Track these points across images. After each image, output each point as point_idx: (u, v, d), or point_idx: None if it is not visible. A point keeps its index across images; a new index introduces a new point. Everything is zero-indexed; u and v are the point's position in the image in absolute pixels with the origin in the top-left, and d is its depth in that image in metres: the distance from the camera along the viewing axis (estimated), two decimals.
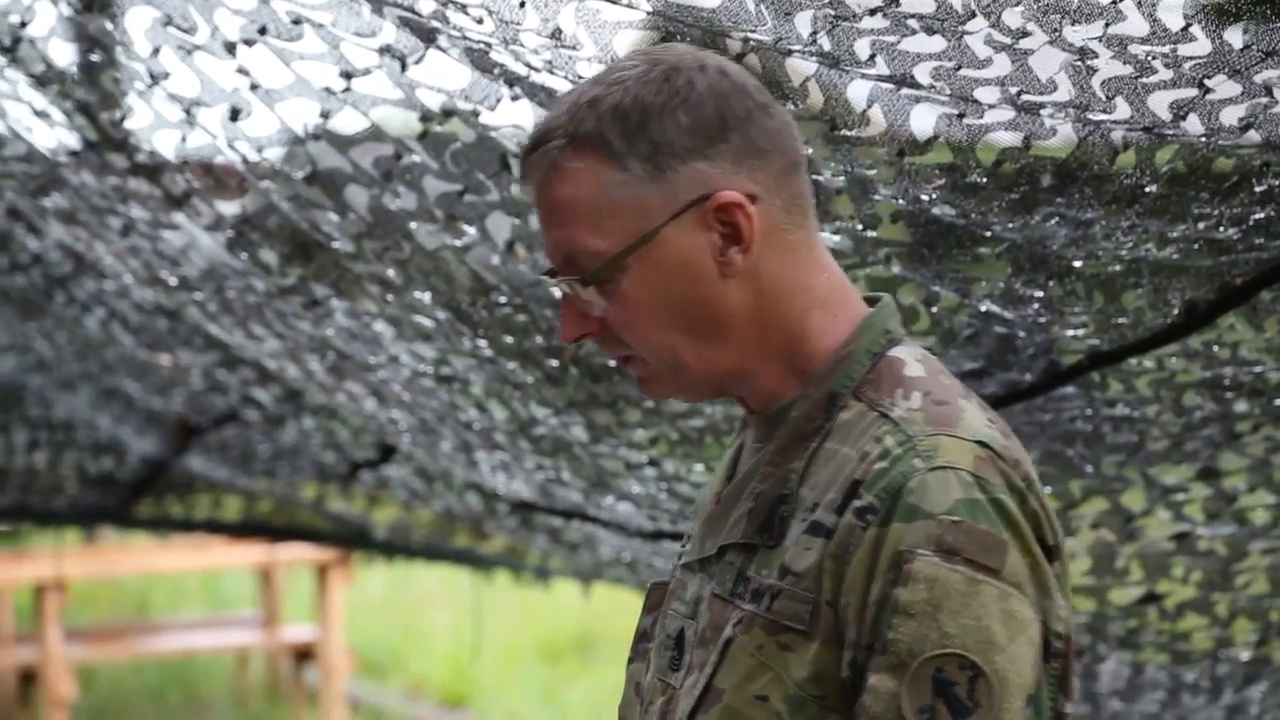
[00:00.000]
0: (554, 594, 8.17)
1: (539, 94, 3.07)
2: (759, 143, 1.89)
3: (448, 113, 3.27)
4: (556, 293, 1.98)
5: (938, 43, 2.65)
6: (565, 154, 1.89)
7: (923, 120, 2.86)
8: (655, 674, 2.00)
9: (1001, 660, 1.74)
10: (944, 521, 1.76)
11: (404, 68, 3.10)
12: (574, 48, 2.86)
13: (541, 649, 12.31)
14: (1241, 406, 3.47)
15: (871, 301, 2.02)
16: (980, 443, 1.81)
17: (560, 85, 3.01)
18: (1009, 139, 2.87)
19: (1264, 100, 2.51)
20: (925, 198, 3.03)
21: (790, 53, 2.74)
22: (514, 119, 3.25)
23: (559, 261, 1.94)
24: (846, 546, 1.81)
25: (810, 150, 2.94)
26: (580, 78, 2.99)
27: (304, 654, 11.29)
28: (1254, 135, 2.61)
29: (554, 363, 3.97)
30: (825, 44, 2.65)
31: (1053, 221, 2.99)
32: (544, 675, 11.79)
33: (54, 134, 3.70)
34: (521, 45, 2.91)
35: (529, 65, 2.96)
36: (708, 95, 1.88)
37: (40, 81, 3.42)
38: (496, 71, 3.03)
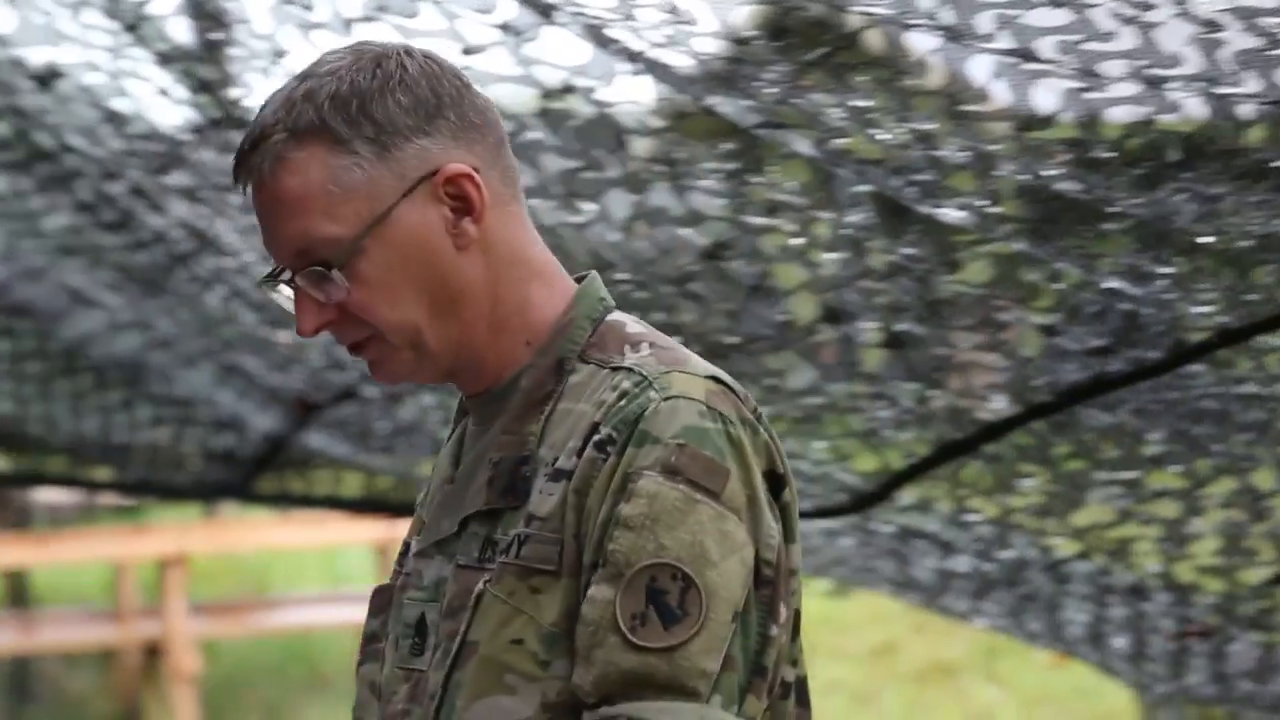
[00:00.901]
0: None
1: (657, 69, 3.06)
2: (472, 118, 1.94)
3: (566, 89, 3.27)
4: (282, 293, 1.97)
5: (1062, 16, 2.61)
6: (288, 146, 1.91)
7: (1045, 95, 2.83)
8: (394, 666, 2.01)
9: (713, 575, 1.81)
10: (670, 445, 1.83)
11: (522, 44, 3.09)
12: (691, 23, 2.85)
13: None
14: None
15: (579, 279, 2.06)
16: (712, 377, 1.88)
17: (678, 60, 3.00)
18: (1134, 113, 2.82)
19: None
20: (1048, 173, 2.99)
21: (911, 26, 2.72)
22: (631, 95, 3.24)
23: (289, 256, 1.93)
24: (588, 480, 1.88)
25: (934, 125, 2.91)
26: (700, 54, 2.98)
27: None
28: None
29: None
30: (947, 18, 2.63)
31: (1179, 197, 2.94)
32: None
33: (176, 112, 3.73)
34: (638, 20, 2.90)
35: (647, 40, 2.95)
36: (420, 76, 1.92)
37: (163, 60, 3.45)
38: (614, 47, 3.02)
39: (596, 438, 1.87)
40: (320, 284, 1.91)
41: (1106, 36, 2.63)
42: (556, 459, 1.91)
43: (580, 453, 1.88)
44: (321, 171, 1.90)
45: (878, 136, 3.04)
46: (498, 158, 1.96)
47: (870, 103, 2.93)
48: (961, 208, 3.14)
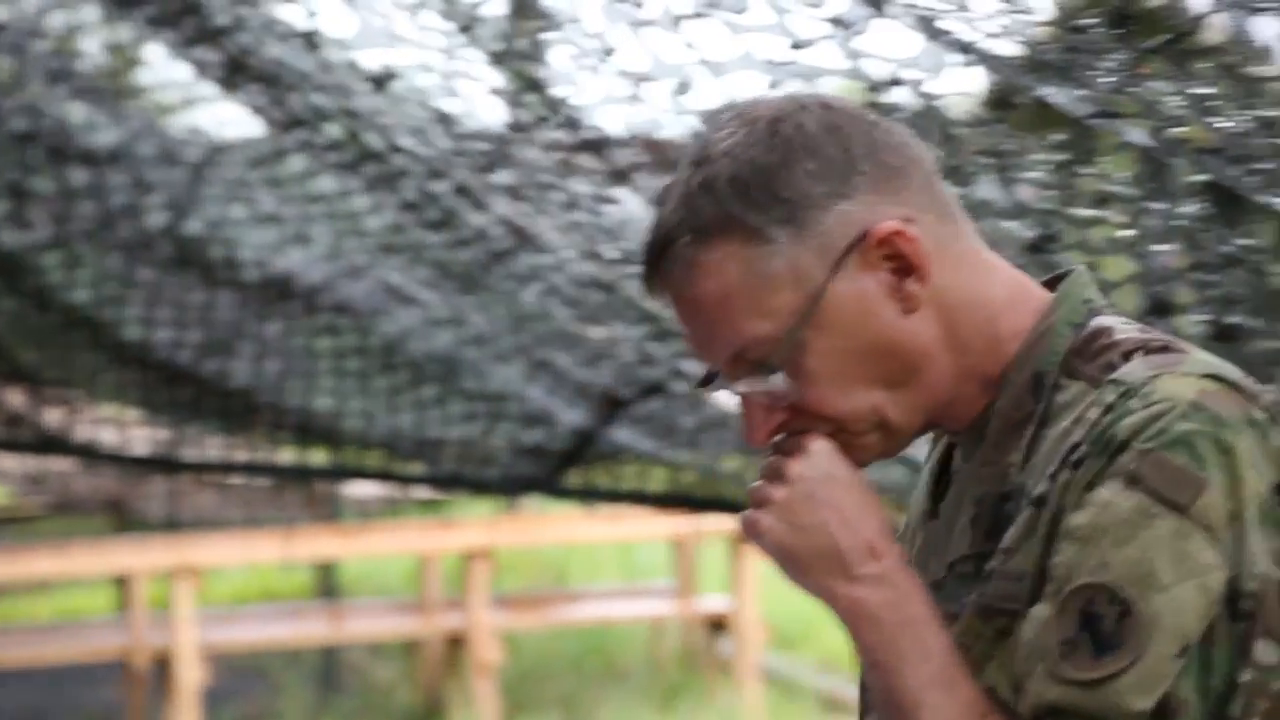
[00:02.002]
0: None
1: (989, 60, 3.03)
2: (891, 161, 1.75)
3: (893, 82, 3.25)
4: (728, 399, 1.84)
5: None
6: (697, 249, 1.73)
7: None
8: None
9: (1159, 601, 1.59)
10: (1136, 450, 1.62)
11: (850, 37, 3.09)
12: (1026, 12, 2.82)
13: None
14: None
15: (1056, 281, 1.84)
16: (1210, 375, 1.65)
17: (1013, 50, 2.97)
18: None
19: None
20: None
21: (1259, 9, 2.66)
22: (958, 86, 3.22)
23: (725, 363, 1.77)
24: (1063, 500, 1.68)
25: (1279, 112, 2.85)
26: (1037, 42, 2.95)
27: (718, 625, 11.44)
28: None
29: None
30: None
31: None
32: None
33: (504, 111, 3.80)
34: (971, 10, 2.88)
35: (981, 30, 2.93)
36: (823, 133, 1.73)
37: (496, 59, 3.51)
38: (945, 39, 3.00)
39: (1073, 457, 1.68)
40: (764, 387, 1.76)
41: None
42: (1037, 486, 1.71)
43: (1055, 475, 1.69)
44: (739, 268, 1.73)
45: (1218, 124, 2.98)
46: (931, 196, 1.77)
47: (1211, 90, 2.87)
48: None
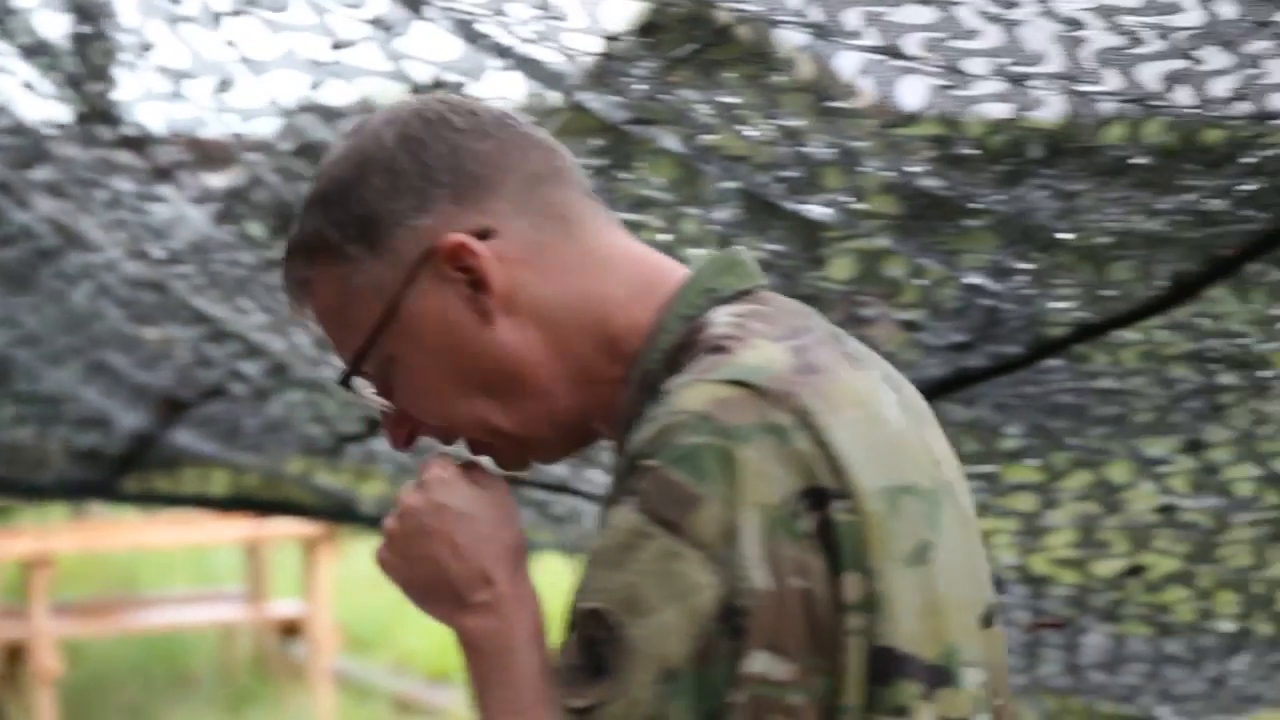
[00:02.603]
0: (541, 568, 8.16)
1: (528, 65, 3.07)
2: (477, 172, 1.72)
3: (437, 84, 3.27)
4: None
5: (928, 13, 2.65)
6: (301, 268, 1.77)
7: (911, 92, 2.86)
8: None
9: (641, 627, 1.56)
10: (643, 466, 1.58)
11: (392, 38, 3.10)
12: (561, 18, 2.86)
13: None
14: (1227, 379, 3.48)
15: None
16: (735, 381, 1.60)
17: (549, 56, 3.01)
18: (997, 111, 2.87)
19: (1253, 71, 2.51)
20: (913, 170, 3.04)
21: (780, 23, 2.74)
22: (501, 91, 3.25)
23: (352, 375, 1.79)
24: (604, 520, 1.65)
25: (801, 122, 2.95)
26: (569, 49, 3.00)
27: (290, 629, 11.30)
28: (1243, 106, 2.61)
29: None
30: (815, 14, 2.66)
31: (1041, 193, 2.99)
32: None
33: (42, 106, 3.70)
34: (508, 16, 2.91)
35: (518, 36, 2.96)
36: (398, 148, 1.72)
37: (28, 53, 3.41)
38: (484, 43, 3.03)
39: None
40: (370, 397, 1.76)
41: (971, 34, 2.67)
42: None
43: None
44: (334, 285, 1.74)
45: (745, 133, 3.07)
46: (526, 202, 1.73)
47: (738, 99, 2.96)
48: (827, 204, 3.17)
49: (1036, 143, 2.90)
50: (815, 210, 3.24)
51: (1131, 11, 2.46)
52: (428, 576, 1.75)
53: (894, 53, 2.71)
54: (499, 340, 1.72)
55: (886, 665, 1.60)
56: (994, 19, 2.58)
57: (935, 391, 3.72)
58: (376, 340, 1.73)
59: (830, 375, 1.65)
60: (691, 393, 1.60)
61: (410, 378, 1.74)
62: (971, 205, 3.10)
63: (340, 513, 7.00)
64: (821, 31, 2.69)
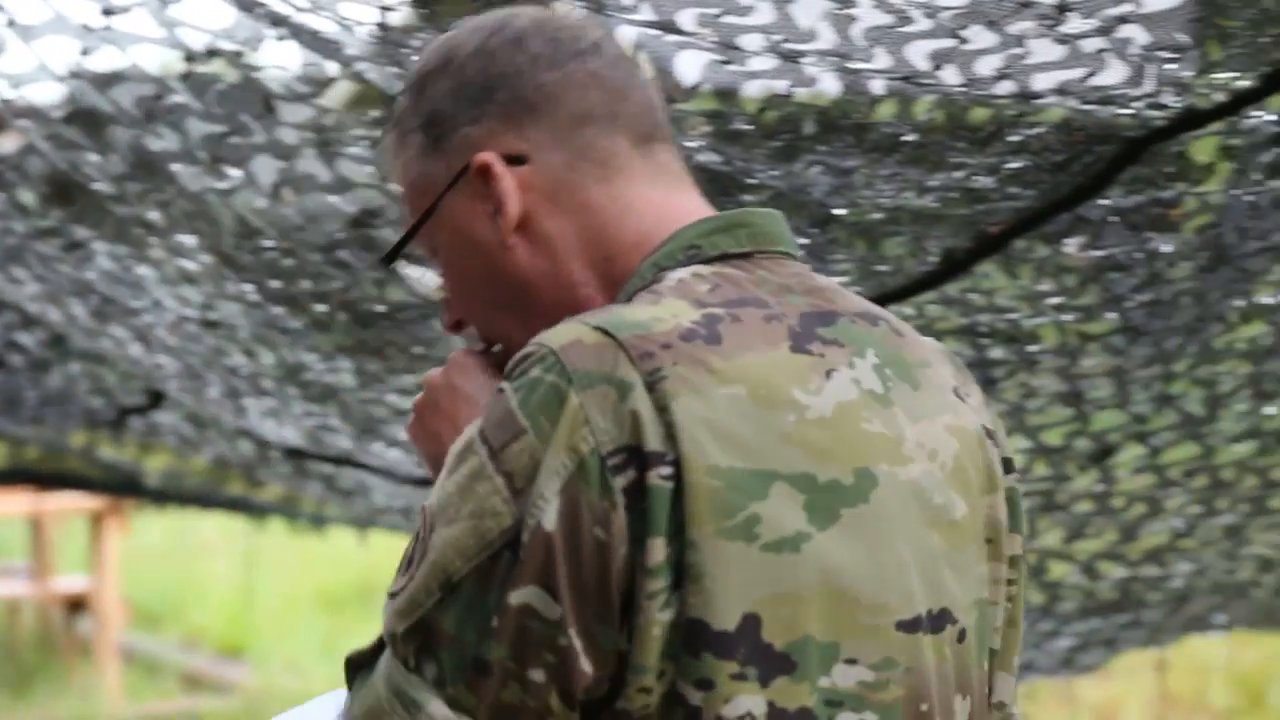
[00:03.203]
0: (332, 542, 8.13)
1: (304, 35, 3.04)
2: (530, 98, 1.77)
3: (211, 53, 3.23)
4: None
5: None
6: (387, 138, 1.88)
7: (687, 67, 2.87)
8: None
9: (439, 534, 1.63)
10: (500, 386, 1.65)
11: (165, 5, 3.05)
12: None
13: (321, 598, 12.24)
14: (997, 353, 3.54)
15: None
16: (602, 329, 1.64)
17: (325, 26, 2.98)
18: (772, 87, 2.89)
19: (1017, 51, 2.55)
20: (690, 145, 3.05)
21: None
22: (279, 60, 3.22)
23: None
24: None
25: None
26: (345, 18, 2.97)
27: (77, 604, 11.13)
28: (1008, 86, 2.66)
29: (322, 308, 3.93)
30: None
31: (815, 169, 3.02)
32: (323, 624, 11.72)
33: None
34: None
35: (292, 5, 2.93)
36: (473, 56, 1.78)
37: None
38: (259, 11, 2.99)
39: None
40: (432, 279, 1.86)
41: (744, 10, 2.68)
42: None
43: None
44: (404, 163, 1.83)
45: None
46: (568, 138, 1.78)
47: None
48: None
49: (810, 119, 2.93)
50: None
51: None
52: (434, 451, 1.81)
53: (668, 28, 2.72)
54: (513, 261, 1.78)
55: (695, 637, 1.61)
56: None
57: None
58: (416, 231, 1.82)
59: (728, 350, 1.65)
60: (560, 330, 1.65)
61: (448, 272, 1.83)
62: (747, 180, 3.12)
63: (125, 486, 6.90)
64: (596, 5, 2.69)
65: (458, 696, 1.62)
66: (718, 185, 3.16)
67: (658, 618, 1.60)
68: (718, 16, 2.68)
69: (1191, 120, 2.67)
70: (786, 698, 1.63)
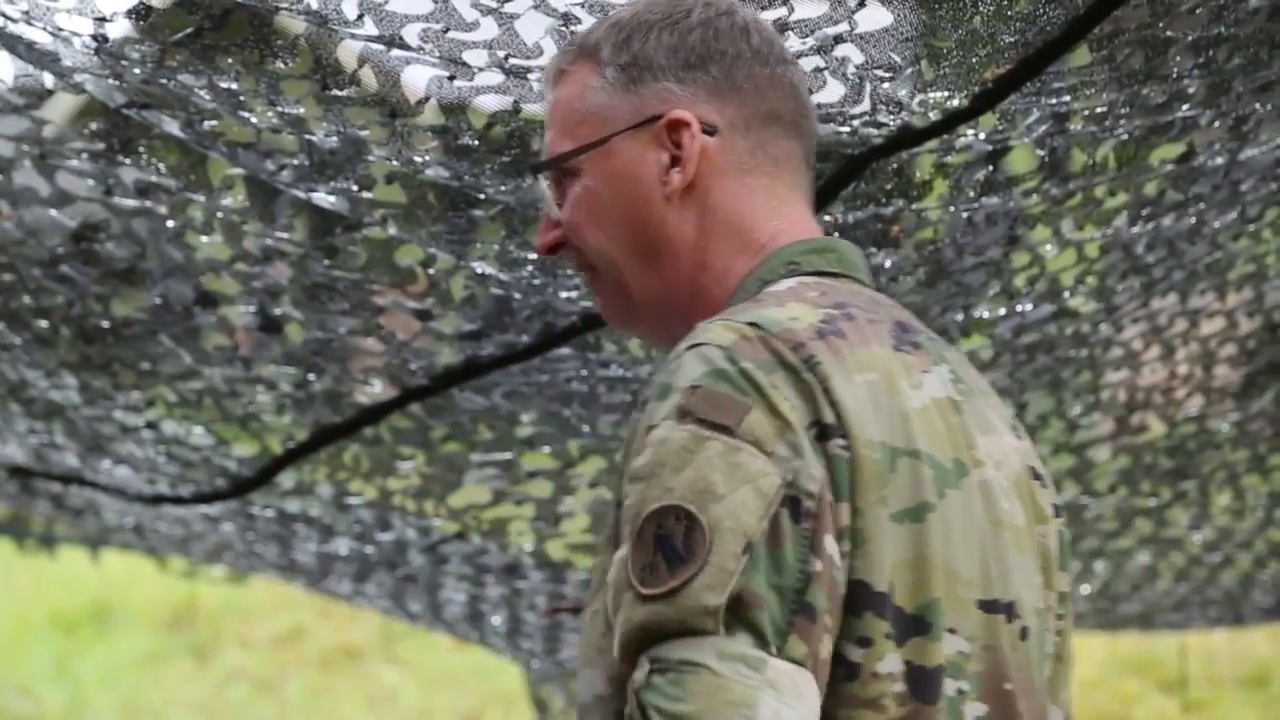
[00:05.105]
0: (65, 562, 7.94)
1: (17, 45, 2.96)
2: (739, 81, 1.92)
3: None
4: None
5: (425, 4, 2.65)
6: (568, 59, 1.97)
7: (415, 82, 2.86)
8: None
9: (718, 509, 1.69)
10: (684, 390, 1.74)
11: None
12: None
13: (54, 619, 11.95)
14: None
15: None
16: (752, 324, 1.78)
17: (39, 36, 2.91)
18: (500, 102, 2.89)
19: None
20: (419, 159, 3.04)
21: (277, 10, 2.71)
22: None
23: (546, 163, 2.00)
24: (630, 442, 1.80)
25: (302, 110, 2.92)
26: (59, 30, 2.90)
27: None
28: None
29: (44, 324, 3.84)
30: (312, 2, 2.63)
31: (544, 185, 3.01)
32: (57, 646, 11.45)
33: None
34: None
35: (3, 14, 2.85)
36: (699, 25, 1.92)
37: None
38: None
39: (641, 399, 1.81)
40: (551, 196, 1.96)
41: (470, 26, 2.68)
42: None
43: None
44: (577, 88, 1.93)
45: (249, 119, 3.02)
46: (756, 129, 1.92)
47: (237, 85, 2.90)
48: (333, 193, 3.15)
49: (538, 134, 2.93)
50: (324, 199, 3.21)
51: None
52: None
53: (394, 43, 2.70)
54: (666, 215, 1.90)
55: (859, 597, 1.73)
56: (490, 12, 2.60)
57: (449, 380, 3.74)
58: (579, 155, 1.92)
59: (853, 343, 1.80)
60: (716, 328, 1.78)
61: (586, 199, 1.92)
62: (478, 195, 3.12)
63: None
64: (320, 20, 2.67)
65: (787, 650, 1.68)
66: (448, 200, 3.16)
67: (841, 578, 1.72)
68: (443, 32, 2.68)
69: (908, 138, 2.73)
70: (923, 657, 1.76)
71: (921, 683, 1.75)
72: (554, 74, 1.99)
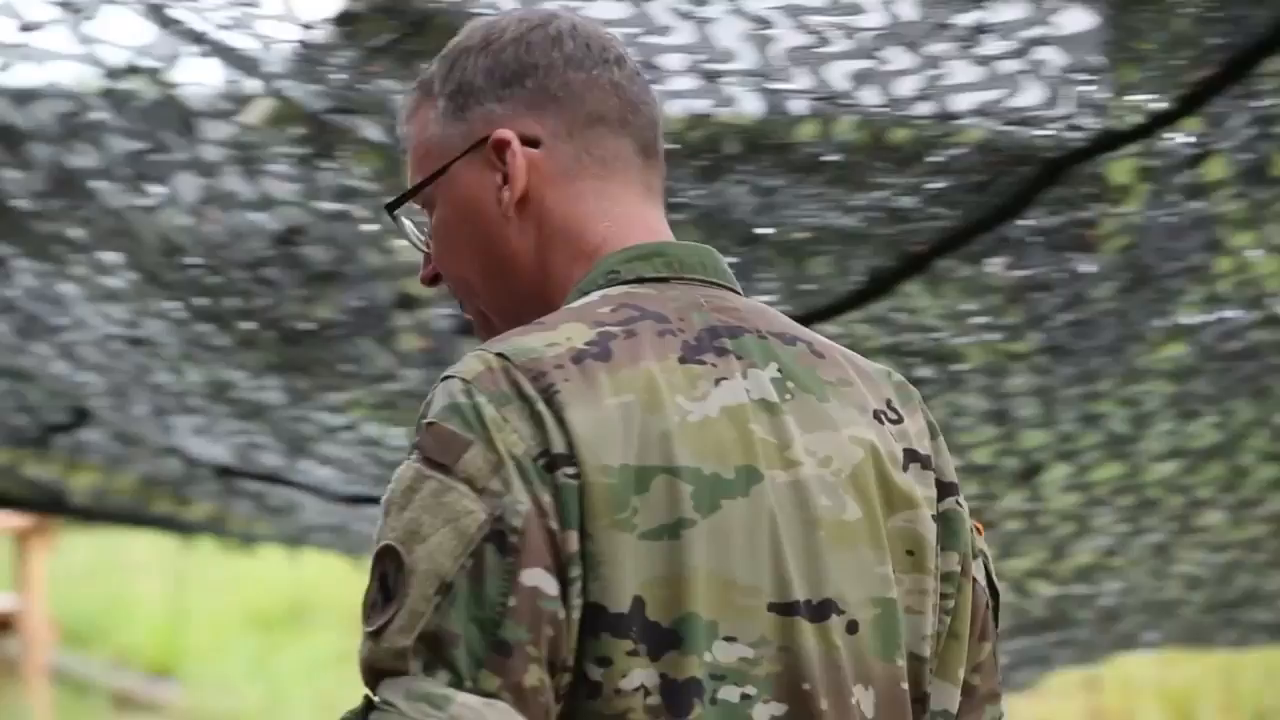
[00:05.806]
0: (263, 561, 8.09)
1: (224, 52, 3.02)
2: (554, 90, 1.93)
3: (130, 70, 3.20)
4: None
5: (621, 9, 2.66)
6: (413, 96, 1.99)
7: None
8: None
9: (419, 550, 1.74)
10: (424, 426, 1.79)
11: (82, 22, 3.03)
12: (255, 4, 2.83)
13: (252, 617, 12.17)
14: (923, 372, 3.55)
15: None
16: (500, 354, 1.80)
17: (244, 43, 2.97)
18: (693, 106, 2.89)
19: (935, 72, 2.56)
20: None
21: (477, 15, 2.73)
22: (198, 77, 3.20)
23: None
24: None
25: None
26: (265, 36, 2.95)
27: (3, 625, 11.03)
28: (928, 106, 2.67)
29: (249, 325, 3.91)
30: (509, 5, 2.65)
31: (739, 189, 3.02)
32: (254, 643, 11.66)
33: None
34: (201, 1, 2.87)
35: (211, 22, 2.91)
36: (511, 42, 1.93)
37: None
38: (177, 28, 2.97)
39: None
40: (418, 232, 1.97)
41: (664, 30, 2.69)
42: None
43: None
44: (422, 124, 1.95)
45: None
46: (580, 134, 1.93)
47: None
48: None
49: (733, 138, 2.93)
50: None
51: (817, 11, 2.50)
52: None
53: None
54: (508, 233, 1.91)
55: (594, 619, 1.77)
56: (685, 16, 2.61)
57: None
58: (424, 188, 1.93)
59: (618, 364, 1.81)
60: (470, 358, 1.80)
61: (441, 230, 1.94)
62: (672, 200, 3.12)
63: (51, 504, 6.84)
64: None
65: (481, 683, 1.73)
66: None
67: (575, 603, 1.75)
68: (637, 36, 2.68)
69: (1108, 141, 2.69)
70: (676, 669, 1.78)
71: (671, 695, 1.79)
72: (405, 113, 2.01)
